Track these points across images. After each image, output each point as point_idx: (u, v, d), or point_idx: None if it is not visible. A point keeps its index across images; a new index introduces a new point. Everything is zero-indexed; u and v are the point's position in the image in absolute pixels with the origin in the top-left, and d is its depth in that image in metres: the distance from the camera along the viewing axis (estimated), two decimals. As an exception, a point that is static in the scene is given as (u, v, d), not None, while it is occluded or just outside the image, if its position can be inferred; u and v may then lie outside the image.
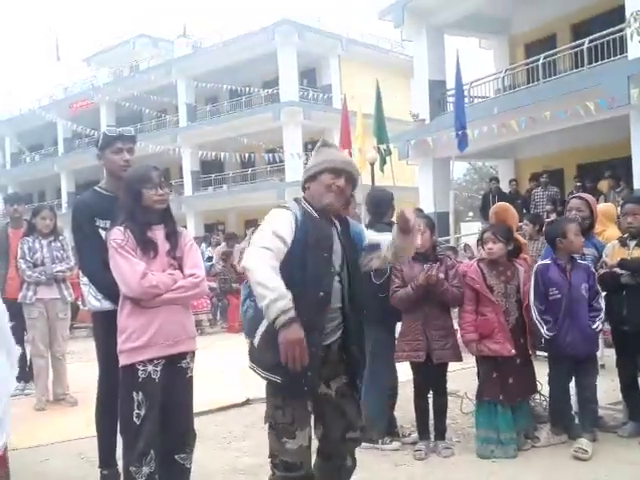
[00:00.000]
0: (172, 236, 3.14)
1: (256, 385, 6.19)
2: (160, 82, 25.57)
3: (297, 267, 2.52)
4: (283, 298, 2.38)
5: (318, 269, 2.55)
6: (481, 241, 4.20)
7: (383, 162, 12.57)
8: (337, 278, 2.63)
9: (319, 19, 24.93)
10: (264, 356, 2.57)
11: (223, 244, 13.72)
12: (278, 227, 2.57)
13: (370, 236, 2.88)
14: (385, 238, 2.83)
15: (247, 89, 22.41)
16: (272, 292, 2.38)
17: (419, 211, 10.36)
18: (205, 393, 5.92)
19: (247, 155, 19.96)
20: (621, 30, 11.44)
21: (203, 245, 14.32)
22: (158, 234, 3.11)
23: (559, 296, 4.05)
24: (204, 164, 26.11)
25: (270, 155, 19.77)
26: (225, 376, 7.16)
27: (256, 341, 2.61)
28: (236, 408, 5.70)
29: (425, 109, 16.10)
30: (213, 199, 25.70)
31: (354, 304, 2.68)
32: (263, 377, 2.65)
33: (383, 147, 12.33)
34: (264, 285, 2.40)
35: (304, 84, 24.61)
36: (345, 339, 2.67)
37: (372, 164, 13.22)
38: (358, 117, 12.89)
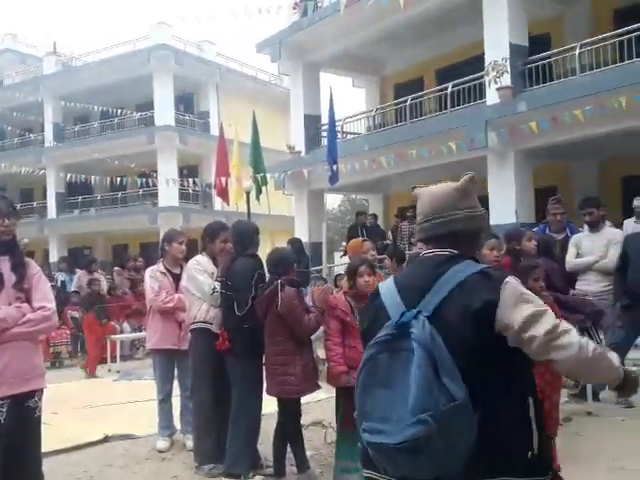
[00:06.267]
0: (19, 267, 2.96)
1: (115, 421, 6.01)
2: (26, 99, 24.23)
3: None
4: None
5: None
6: (354, 274, 4.22)
7: (259, 191, 12.61)
8: None
9: (199, 46, 24.87)
10: None
11: (83, 271, 13.07)
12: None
13: None
14: None
15: (120, 111, 21.77)
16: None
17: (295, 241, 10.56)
18: (60, 430, 5.60)
19: (118, 178, 19.30)
20: (481, 77, 12.39)
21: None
22: (3, 266, 2.93)
23: None
24: (70, 186, 24.86)
25: (143, 179, 19.23)
26: (83, 412, 6.79)
27: (536, 448, 1.89)
28: (93, 446, 5.40)
29: (301, 142, 16.45)
30: (79, 222, 24.58)
31: None
32: None
33: (259, 176, 12.38)
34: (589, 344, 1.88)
35: (180, 109, 24.35)
36: None
37: (248, 193, 13.22)
38: (235, 145, 12.87)
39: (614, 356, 1.93)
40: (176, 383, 5.39)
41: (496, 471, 1.83)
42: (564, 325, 1.89)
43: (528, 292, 1.93)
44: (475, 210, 2.11)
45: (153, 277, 5.34)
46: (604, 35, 11.04)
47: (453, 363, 1.76)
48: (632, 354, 5.99)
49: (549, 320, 1.87)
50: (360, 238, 5.44)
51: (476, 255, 2.08)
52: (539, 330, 1.84)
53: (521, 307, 1.85)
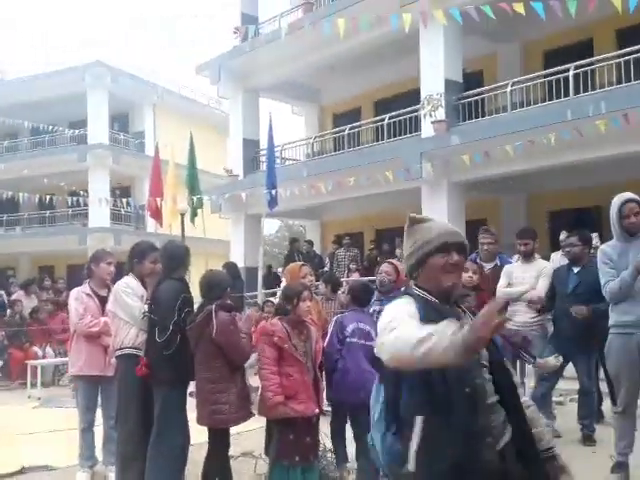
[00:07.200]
0: None
1: (33, 451, 5.67)
2: (-49, 112, 23.17)
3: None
4: (441, 327, 1.78)
5: None
6: (298, 298, 4.12)
7: (194, 214, 12.41)
8: (485, 370, 2.15)
9: (139, 67, 24.61)
10: (429, 470, 2.01)
11: (21, 292, 12.77)
12: (407, 311, 2.06)
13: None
14: None
15: (51, 128, 21.10)
16: (425, 335, 1.77)
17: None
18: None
19: (47, 196, 18.60)
20: (417, 110, 12.69)
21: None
22: None
23: None
24: (-4, 203, 23.88)
25: (73, 198, 18.61)
26: (-2, 441, 6.37)
27: (411, 465, 2.02)
28: (9, 478, 5.06)
29: (239, 166, 16.36)
30: (3, 241, 23.49)
31: (514, 397, 2.19)
32: None
33: (195, 198, 12.18)
34: (411, 337, 1.79)
35: (115, 128, 23.85)
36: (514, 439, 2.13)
37: (183, 215, 13.00)
38: (170, 167, 12.66)
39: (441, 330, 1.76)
40: (99, 411, 5.14)
41: None
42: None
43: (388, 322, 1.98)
44: (413, 245, 2.26)
45: (78, 299, 5.08)
46: (534, 74, 11.58)
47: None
48: (560, 384, 6.13)
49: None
50: (299, 262, 5.38)
51: (442, 280, 2.18)
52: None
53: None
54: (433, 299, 2.17)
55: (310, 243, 15.15)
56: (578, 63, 10.63)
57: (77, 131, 22.68)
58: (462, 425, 1.98)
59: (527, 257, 6.02)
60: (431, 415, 2.00)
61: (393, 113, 13.52)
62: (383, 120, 13.73)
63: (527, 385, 6.05)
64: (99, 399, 5.13)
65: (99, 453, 5.13)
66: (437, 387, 2.00)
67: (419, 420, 2.02)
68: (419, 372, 1.94)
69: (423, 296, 2.17)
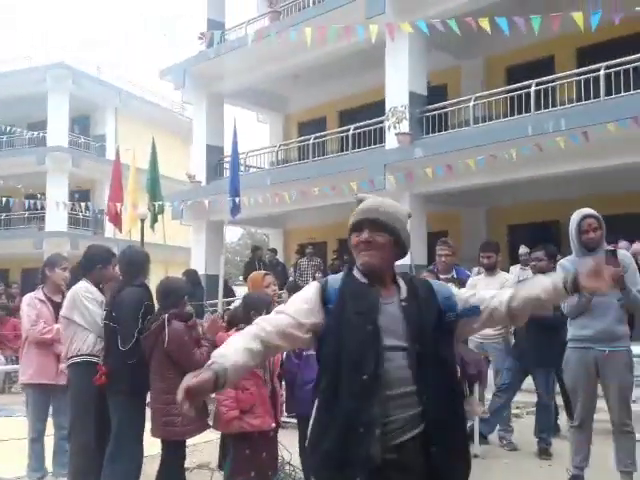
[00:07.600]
0: None
1: (8, 461, 5.44)
2: None
3: (334, 347, 2.06)
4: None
5: (358, 346, 1.99)
6: (267, 311, 3.87)
7: (154, 220, 12.20)
8: (402, 355, 2.02)
9: (98, 68, 24.19)
10: (311, 457, 2.12)
11: None
12: (289, 304, 2.19)
13: (465, 296, 2.21)
14: (488, 295, 2.21)
15: (10, 128, 20.60)
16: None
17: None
18: None
19: (3, 199, 18.10)
20: (381, 122, 12.76)
21: None
22: None
23: None
24: (-52, 204, 23.12)
25: (31, 201, 18.15)
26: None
27: (307, 442, 2.15)
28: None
29: (202, 172, 16.19)
30: (-45, 244, 22.80)
31: (435, 386, 2.02)
32: None
33: (156, 204, 11.97)
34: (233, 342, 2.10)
35: (75, 131, 23.42)
36: (426, 435, 2.00)
37: (143, 220, 12.77)
38: (131, 171, 12.43)
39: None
40: (50, 421, 4.97)
41: None
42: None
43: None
44: None
45: (31, 305, 4.92)
46: (496, 90, 11.77)
47: None
48: (517, 397, 6.18)
49: None
50: (262, 271, 5.30)
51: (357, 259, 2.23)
52: None
53: None
54: (363, 279, 2.15)
55: (274, 251, 15.05)
56: (539, 80, 10.85)
57: (36, 133, 22.22)
58: (347, 413, 1.95)
59: (490, 270, 6.07)
60: (323, 399, 2.07)
61: (358, 124, 13.56)
62: (348, 130, 13.76)
63: (485, 397, 6.08)
64: (50, 409, 4.96)
65: (49, 464, 4.96)
66: (333, 372, 2.03)
67: (315, 402, 2.11)
68: (322, 358, 2.12)
69: (353, 275, 2.18)
